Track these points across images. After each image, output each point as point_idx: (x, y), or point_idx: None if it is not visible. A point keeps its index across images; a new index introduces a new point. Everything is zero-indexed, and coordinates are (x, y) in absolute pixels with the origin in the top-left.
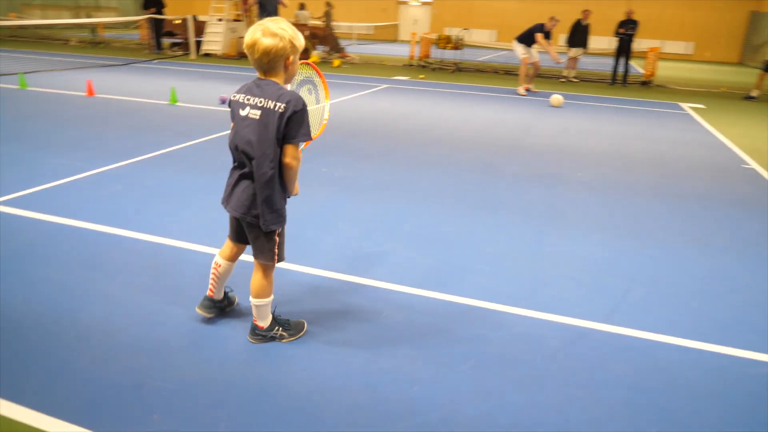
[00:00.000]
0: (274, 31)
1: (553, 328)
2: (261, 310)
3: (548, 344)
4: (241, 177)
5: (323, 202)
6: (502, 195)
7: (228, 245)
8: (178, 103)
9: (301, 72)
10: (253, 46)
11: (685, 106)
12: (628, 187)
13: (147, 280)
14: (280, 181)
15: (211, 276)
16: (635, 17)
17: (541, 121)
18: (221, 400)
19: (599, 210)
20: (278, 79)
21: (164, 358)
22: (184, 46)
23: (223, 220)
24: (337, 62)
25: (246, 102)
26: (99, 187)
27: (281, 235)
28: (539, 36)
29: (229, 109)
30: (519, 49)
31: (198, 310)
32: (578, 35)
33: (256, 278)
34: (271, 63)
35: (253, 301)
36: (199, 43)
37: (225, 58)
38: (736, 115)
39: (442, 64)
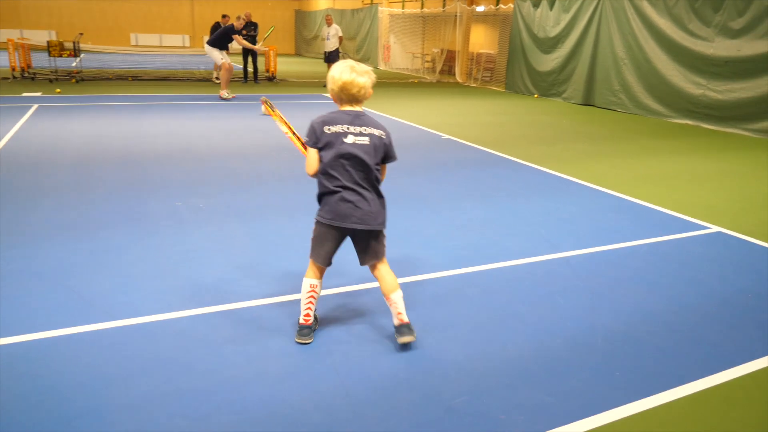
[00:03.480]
0: (366, 70)
1: (546, 264)
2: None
3: (559, 273)
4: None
5: (227, 233)
6: None
7: (320, 267)
8: None
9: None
10: (351, 83)
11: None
12: (419, 165)
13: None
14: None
15: (309, 301)
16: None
17: (239, 124)
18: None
19: (431, 186)
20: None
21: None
22: None
23: None
24: None
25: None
26: None
27: None
28: (238, 38)
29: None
30: (216, 54)
31: (299, 341)
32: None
33: (391, 274)
34: (364, 97)
35: (398, 295)
36: None
37: None
38: (385, 100)
39: (57, 75)
